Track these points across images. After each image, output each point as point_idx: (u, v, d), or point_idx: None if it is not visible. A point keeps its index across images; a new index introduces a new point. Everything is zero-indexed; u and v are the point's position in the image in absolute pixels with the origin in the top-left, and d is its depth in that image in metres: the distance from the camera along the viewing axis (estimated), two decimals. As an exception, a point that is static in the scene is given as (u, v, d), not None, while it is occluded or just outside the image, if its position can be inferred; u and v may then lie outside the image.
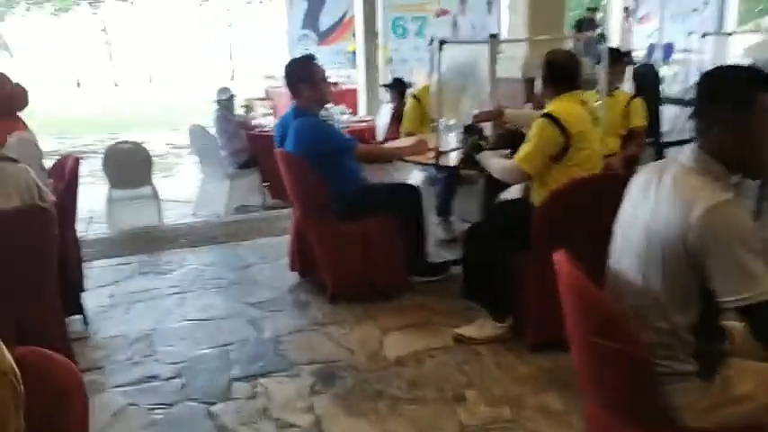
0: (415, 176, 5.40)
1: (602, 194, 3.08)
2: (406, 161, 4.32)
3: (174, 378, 3.29)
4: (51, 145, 12.24)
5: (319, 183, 3.96)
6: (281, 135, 4.19)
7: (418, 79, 10.61)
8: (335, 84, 12.36)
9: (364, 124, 7.66)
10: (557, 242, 3.07)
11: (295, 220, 4.39)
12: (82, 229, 5.29)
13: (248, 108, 7.57)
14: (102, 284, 4.54)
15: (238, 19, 38.50)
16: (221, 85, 7.22)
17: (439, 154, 4.02)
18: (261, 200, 7.18)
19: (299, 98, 4.08)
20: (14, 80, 3.81)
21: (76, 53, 32.40)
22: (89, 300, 4.12)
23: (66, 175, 3.84)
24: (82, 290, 4.07)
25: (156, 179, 8.19)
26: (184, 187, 8.22)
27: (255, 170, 7.09)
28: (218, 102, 7.00)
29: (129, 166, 6.05)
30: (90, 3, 32.04)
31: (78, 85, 31.61)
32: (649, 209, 1.92)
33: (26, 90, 3.83)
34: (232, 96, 7.10)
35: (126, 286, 4.52)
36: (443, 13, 14.10)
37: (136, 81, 31.98)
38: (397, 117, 6.45)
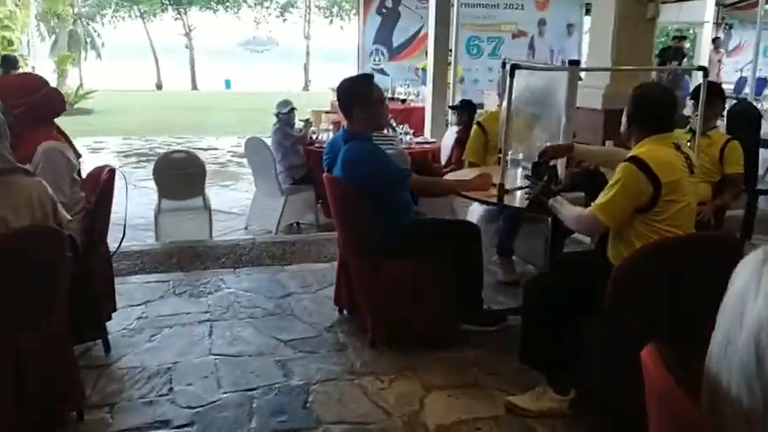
0: (475, 211, 4.92)
1: (695, 259, 2.58)
2: (466, 197, 3.85)
3: (185, 426, 2.91)
4: (119, 146, 12.29)
5: (366, 214, 3.55)
6: (330, 158, 3.80)
7: (489, 102, 10.20)
8: (403, 101, 12.00)
9: (428, 146, 7.22)
10: (634, 310, 2.56)
11: (340, 250, 3.99)
12: (130, 237, 5.03)
13: (308, 122, 7.24)
14: (133, 304, 4.23)
15: (318, 31, 38.79)
16: (282, 98, 6.92)
17: (503, 192, 3.55)
18: (314, 218, 6.84)
19: (351, 120, 3.67)
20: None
21: (159, 56, 33.11)
22: (116, 320, 3.82)
23: (99, 186, 3.54)
24: (112, 309, 3.78)
25: (215, 189, 8.07)
26: (242, 199, 7.96)
27: (311, 187, 6.76)
28: (278, 115, 6.70)
29: (181, 176, 5.79)
30: (176, 8, 32.78)
31: (159, 87, 32.35)
32: (756, 316, 1.41)
33: (61, 94, 3.55)
34: (292, 110, 6.80)
35: (157, 308, 4.20)
36: (521, 34, 13.60)
37: (214, 86, 32.48)
38: (460, 142, 6.00)
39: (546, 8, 13.48)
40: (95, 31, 31.92)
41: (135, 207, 7.22)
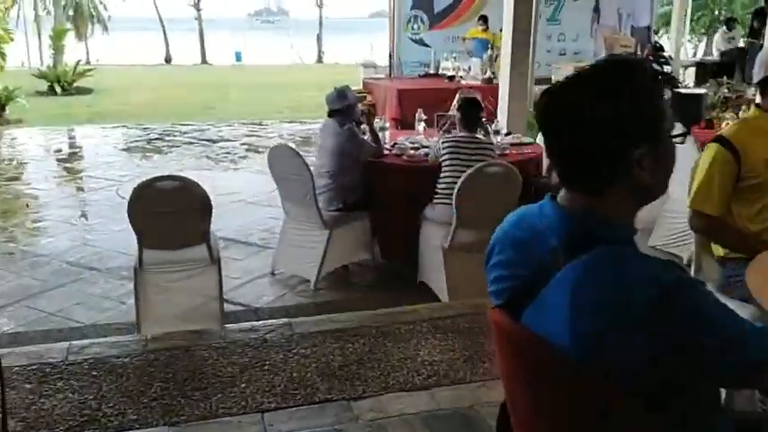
0: None
1: None
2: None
3: None
4: (114, 136, 9.95)
5: None
6: (509, 268, 1.47)
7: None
8: (451, 78, 9.59)
9: (529, 152, 4.84)
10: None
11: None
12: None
13: (369, 113, 4.91)
14: None
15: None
16: (337, 86, 4.57)
17: None
18: (369, 256, 4.58)
19: (600, 196, 1.34)
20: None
21: (168, 29, 30.54)
22: None
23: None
24: None
25: (227, 205, 5.81)
26: (263, 219, 5.71)
27: (365, 214, 4.48)
28: (333, 112, 4.42)
29: (171, 216, 3.50)
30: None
31: (168, 60, 29.85)
32: None
33: None
34: (355, 104, 4.51)
35: None
36: (584, -6, 11.13)
37: (224, 59, 29.95)
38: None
39: (613, -38, 10.97)
40: (102, 3, 29.44)
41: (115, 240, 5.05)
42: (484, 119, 4.64)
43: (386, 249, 4.67)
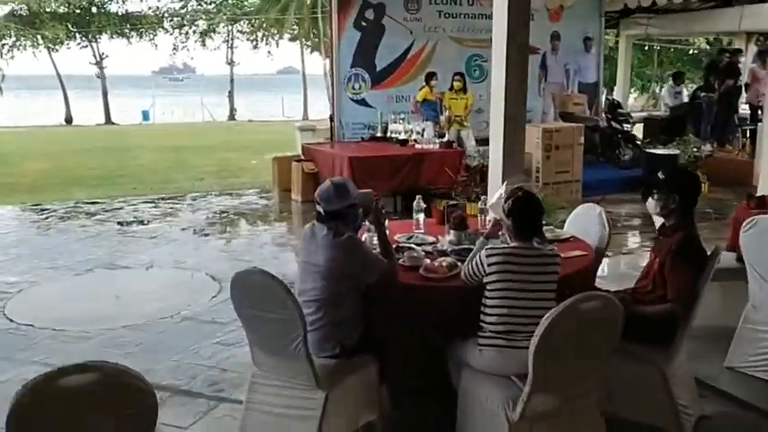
0: None
1: None
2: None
3: None
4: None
5: None
6: None
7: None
8: (403, 142, 8.39)
9: (579, 253, 3.54)
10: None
11: None
12: None
13: (377, 210, 3.41)
14: None
15: (242, 57, 34.66)
16: (335, 179, 3.13)
17: None
18: (375, 413, 3.12)
19: None
20: None
21: (69, 88, 28.12)
22: None
23: None
24: None
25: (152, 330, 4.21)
26: (204, 347, 4.17)
27: (371, 358, 3.05)
28: (328, 216, 3.02)
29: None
30: (83, 35, 27.90)
31: (69, 121, 27.38)
32: None
33: None
34: (358, 204, 3.11)
35: None
36: (531, 51, 10.20)
37: (131, 119, 27.83)
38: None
39: (559, 19, 10.21)
40: (-8, 62, 26.74)
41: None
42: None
43: (398, 396, 3.27)
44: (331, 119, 9.18)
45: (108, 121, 27.72)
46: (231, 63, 34.54)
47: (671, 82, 11.27)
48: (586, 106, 9.97)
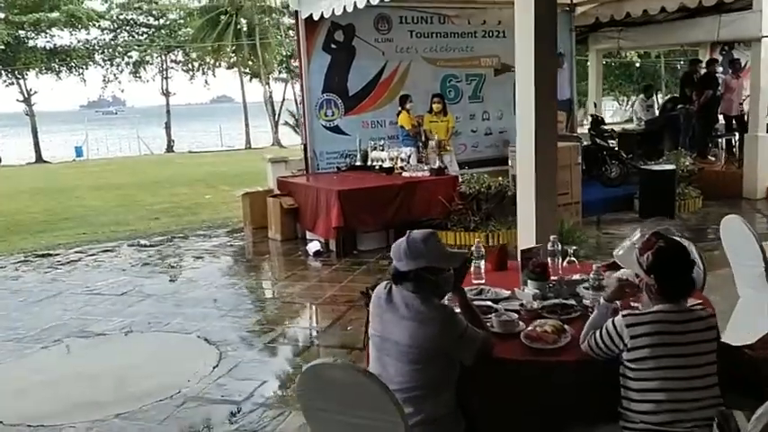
0: None
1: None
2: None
3: None
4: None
5: None
6: None
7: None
8: (388, 171, 7.75)
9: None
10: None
11: None
12: None
13: (465, 264, 2.70)
14: None
15: (178, 87, 33.66)
16: (415, 232, 2.41)
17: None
18: None
19: None
20: None
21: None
22: None
23: None
24: None
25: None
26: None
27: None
28: (413, 277, 2.35)
29: None
30: (8, 71, 26.22)
31: (-4, 161, 25.60)
32: None
33: None
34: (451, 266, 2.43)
35: None
36: (505, 69, 9.80)
37: (63, 156, 26.23)
38: None
39: (531, 35, 9.79)
40: None
41: None
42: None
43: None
44: (305, 149, 8.45)
45: (39, 159, 26.10)
46: (167, 94, 33.29)
47: (642, 95, 11.08)
48: (565, 122, 9.61)
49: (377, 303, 2.46)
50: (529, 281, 3.02)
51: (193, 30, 31.66)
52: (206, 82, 33.40)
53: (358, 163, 8.24)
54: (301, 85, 8.65)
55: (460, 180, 7.28)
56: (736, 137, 9.84)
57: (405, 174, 7.48)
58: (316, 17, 7.82)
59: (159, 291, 6.01)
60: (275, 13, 33.22)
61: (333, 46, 8.57)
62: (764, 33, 8.26)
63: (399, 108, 8.37)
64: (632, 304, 2.53)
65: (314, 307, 5.40)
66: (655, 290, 2.25)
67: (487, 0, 8.80)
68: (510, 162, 7.73)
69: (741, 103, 9.63)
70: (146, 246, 8.01)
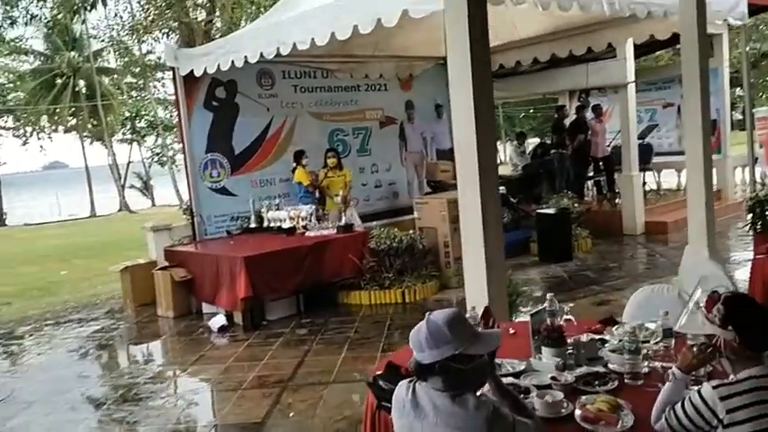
0: None
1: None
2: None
3: None
4: None
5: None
6: None
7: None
8: (289, 231, 7.21)
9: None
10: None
11: None
12: None
13: (490, 361, 2.31)
14: None
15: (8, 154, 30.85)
16: (435, 314, 1.95)
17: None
18: None
19: None
20: None
21: None
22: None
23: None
24: None
25: None
26: None
27: None
28: (440, 369, 1.89)
29: None
30: None
31: None
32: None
33: None
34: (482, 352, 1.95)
35: None
36: (389, 121, 9.67)
37: None
38: None
39: (410, 88, 9.82)
40: None
41: None
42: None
43: None
44: (191, 213, 7.67)
45: None
46: (-3, 163, 30.15)
47: (515, 142, 11.46)
48: (452, 173, 9.60)
49: (400, 410, 1.98)
50: (544, 348, 2.68)
51: (25, 93, 29.13)
52: (41, 147, 30.61)
53: (252, 225, 7.61)
54: (183, 146, 7.92)
55: (371, 235, 6.91)
56: (604, 178, 10.39)
57: (310, 233, 6.97)
58: (198, 73, 7.22)
59: (39, 396, 4.95)
60: (117, 74, 31.51)
61: (215, 103, 7.95)
62: (629, 80, 8.84)
63: (294, 164, 7.89)
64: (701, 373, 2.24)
65: (241, 393, 4.67)
66: (738, 344, 1.98)
67: (367, 54, 8.66)
68: (416, 213, 7.48)
69: (607, 146, 10.21)
70: (9, 337, 6.77)
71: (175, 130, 14.01)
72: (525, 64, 9.18)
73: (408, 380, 2.02)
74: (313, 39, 5.74)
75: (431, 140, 10.07)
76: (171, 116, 14.24)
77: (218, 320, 6.25)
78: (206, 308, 6.80)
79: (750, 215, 7.11)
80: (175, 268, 6.89)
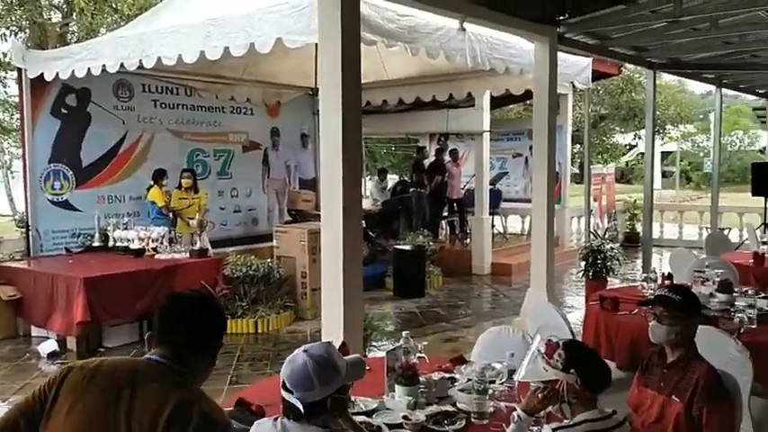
0: None
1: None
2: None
3: None
4: None
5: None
6: None
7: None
8: (138, 253, 6.80)
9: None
10: None
11: None
12: None
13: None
14: None
15: None
16: (316, 353, 1.87)
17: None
18: None
19: None
20: None
21: None
22: None
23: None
24: None
25: None
26: None
27: None
28: (305, 411, 1.81)
29: None
30: None
31: None
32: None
33: None
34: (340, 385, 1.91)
35: None
36: (253, 147, 9.49)
37: None
38: None
39: (277, 114, 9.74)
40: None
41: None
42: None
43: None
44: (26, 226, 7.01)
45: None
46: None
47: (377, 178, 11.67)
48: (315, 201, 9.58)
49: None
50: (397, 386, 2.69)
51: None
52: None
53: (96, 244, 7.09)
54: (23, 152, 7.25)
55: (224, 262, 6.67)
56: (457, 218, 10.87)
57: (160, 256, 6.60)
58: (49, 77, 6.68)
59: None
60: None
61: (64, 111, 7.39)
62: (485, 128, 9.36)
63: (151, 183, 7.48)
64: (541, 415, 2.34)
65: None
66: (579, 385, 2.10)
67: (236, 77, 8.49)
68: (275, 241, 7.34)
69: (462, 188, 10.70)
70: None
71: (14, 134, 12.81)
72: (391, 104, 9.43)
73: (273, 418, 1.93)
74: (181, 55, 5.53)
75: (294, 169, 10.01)
76: (13, 119, 12.99)
77: (49, 345, 5.70)
78: (35, 331, 6.20)
79: (584, 263, 7.76)
80: (3, 286, 6.23)
